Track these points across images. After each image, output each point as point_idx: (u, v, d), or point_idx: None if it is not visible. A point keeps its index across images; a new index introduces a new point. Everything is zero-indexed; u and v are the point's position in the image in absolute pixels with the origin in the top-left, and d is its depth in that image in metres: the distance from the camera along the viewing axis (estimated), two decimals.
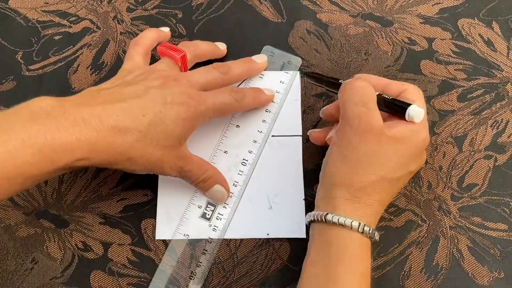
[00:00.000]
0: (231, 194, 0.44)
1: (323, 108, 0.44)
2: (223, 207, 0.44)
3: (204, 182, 0.42)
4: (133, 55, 0.43)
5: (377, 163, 0.37)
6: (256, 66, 0.47)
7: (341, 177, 0.37)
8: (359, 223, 0.36)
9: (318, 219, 0.37)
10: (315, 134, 0.44)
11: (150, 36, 0.45)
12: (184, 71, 0.44)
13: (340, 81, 0.42)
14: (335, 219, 0.36)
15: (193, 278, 0.42)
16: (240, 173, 0.45)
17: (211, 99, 0.41)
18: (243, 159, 0.45)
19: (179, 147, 0.40)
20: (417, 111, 0.37)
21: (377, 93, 0.39)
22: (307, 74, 0.46)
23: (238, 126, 0.46)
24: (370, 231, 0.36)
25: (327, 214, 0.37)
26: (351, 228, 0.36)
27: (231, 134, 0.46)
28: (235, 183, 0.44)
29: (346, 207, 0.37)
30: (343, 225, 0.36)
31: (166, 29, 0.47)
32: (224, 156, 0.45)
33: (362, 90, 0.38)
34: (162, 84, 0.39)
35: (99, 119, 0.35)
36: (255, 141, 0.46)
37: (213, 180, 0.43)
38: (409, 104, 0.37)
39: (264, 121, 0.46)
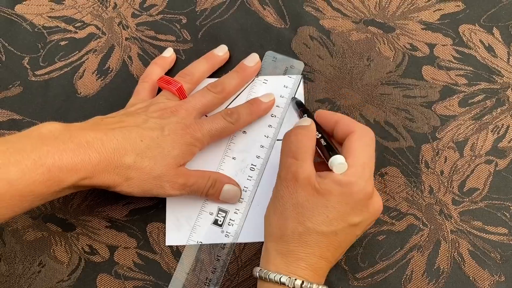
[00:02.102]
0: (241, 199, 0.45)
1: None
2: (234, 212, 0.44)
3: (213, 188, 0.43)
4: (140, 91, 0.46)
5: (304, 214, 0.36)
6: (249, 71, 0.48)
7: (273, 229, 0.37)
8: (289, 278, 0.35)
9: (256, 276, 0.37)
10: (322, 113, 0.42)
11: (156, 72, 0.48)
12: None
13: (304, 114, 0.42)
14: (265, 275, 0.35)
15: (208, 285, 0.42)
16: (249, 178, 0.45)
17: (207, 126, 0.43)
18: (252, 164, 0.46)
19: (176, 167, 0.41)
20: (337, 163, 0.36)
21: (319, 136, 0.39)
22: (298, 104, 0.45)
23: (244, 132, 0.47)
24: (304, 285, 0.34)
25: (260, 269, 0.36)
26: (280, 284, 0.35)
27: (238, 140, 0.47)
28: (245, 188, 0.45)
29: (278, 261, 0.36)
30: (273, 281, 0.35)
31: (169, 52, 0.49)
32: (232, 162, 0.46)
33: (297, 140, 0.38)
34: (160, 116, 0.42)
35: (101, 142, 0.38)
36: (262, 146, 0.46)
37: (221, 182, 0.44)
38: (335, 153, 0.37)
39: (270, 126, 0.47)
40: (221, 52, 0.49)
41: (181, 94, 0.45)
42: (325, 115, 0.41)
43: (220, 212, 0.44)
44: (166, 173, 0.41)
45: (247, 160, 0.46)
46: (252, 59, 0.48)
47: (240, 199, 0.45)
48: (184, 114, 0.43)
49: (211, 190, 0.43)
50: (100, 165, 0.38)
